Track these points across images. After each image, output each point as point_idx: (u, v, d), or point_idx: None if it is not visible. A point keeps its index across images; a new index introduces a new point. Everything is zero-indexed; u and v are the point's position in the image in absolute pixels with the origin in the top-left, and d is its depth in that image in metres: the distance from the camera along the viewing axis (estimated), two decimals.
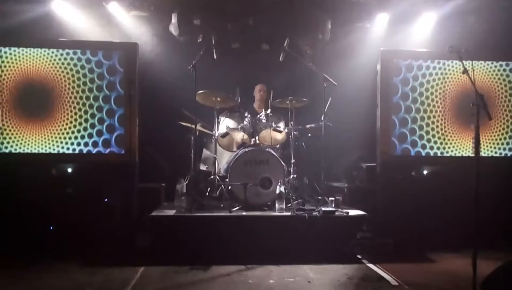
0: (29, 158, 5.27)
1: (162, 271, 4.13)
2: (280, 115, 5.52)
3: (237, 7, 5.60)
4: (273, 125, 5.40)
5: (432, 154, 5.68)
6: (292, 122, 5.40)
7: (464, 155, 5.69)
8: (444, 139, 5.69)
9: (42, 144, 5.33)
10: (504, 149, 5.80)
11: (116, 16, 5.67)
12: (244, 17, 5.71)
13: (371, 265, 4.40)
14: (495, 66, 5.76)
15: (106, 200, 5.29)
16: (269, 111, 5.53)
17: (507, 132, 5.79)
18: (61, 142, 5.37)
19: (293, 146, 5.40)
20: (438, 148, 5.69)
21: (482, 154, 5.64)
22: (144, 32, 5.82)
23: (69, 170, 5.43)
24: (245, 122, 5.45)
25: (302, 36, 5.77)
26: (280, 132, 5.42)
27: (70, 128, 5.39)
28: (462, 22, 5.80)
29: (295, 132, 5.43)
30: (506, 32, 5.72)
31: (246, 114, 5.51)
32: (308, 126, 5.59)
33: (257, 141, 5.39)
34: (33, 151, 5.30)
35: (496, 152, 5.77)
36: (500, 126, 5.78)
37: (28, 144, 5.30)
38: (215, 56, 5.56)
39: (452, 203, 5.13)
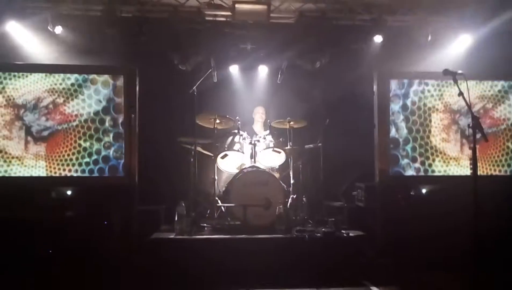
0: (29, 181, 5.28)
1: None
2: (279, 136, 5.56)
3: (235, 30, 5.69)
4: (272, 146, 5.43)
5: (430, 173, 5.71)
6: (290, 143, 5.44)
7: (463, 174, 5.71)
8: (442, 158, 5.73)
9: (43, 167, 5.34)
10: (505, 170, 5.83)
11: (115, 41, 5.72)
12: (243, 41, 5.79)
13: (371, 287, 4.37)
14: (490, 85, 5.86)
15: (105, 222, 5.27)
16: (268, 132, 5.58)
17: (507, 153, 5.84)
18: (64, 166, 5.37)
19: (292, 166, 5.42)
20: (438, 167, 5.72)
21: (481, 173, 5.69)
22: (144, 56, 5.88)
23: (69, 193, 5.41)
24: (244, 144, 5.49)
25: (299, 58, 5.85)
26: (279, 153, 5.45)
27: (74, 153, 5.40)
28: (457, 43, 5.90)
29: (294, 153, 5.45)
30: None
31: (245, 136, 5.56)
32: (306, 146, 5.63)
33: (257, 162, 5.42)
34: (34, 174, 5.31)
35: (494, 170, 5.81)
36: (500, 145, 5.84)
37: (29, 167, 5.32)
38: (214, 79, 5.63)
39: (452, 222, 5.11)
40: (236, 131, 5.52)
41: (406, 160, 5.69)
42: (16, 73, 5.34)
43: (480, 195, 3.28)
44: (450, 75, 3.28)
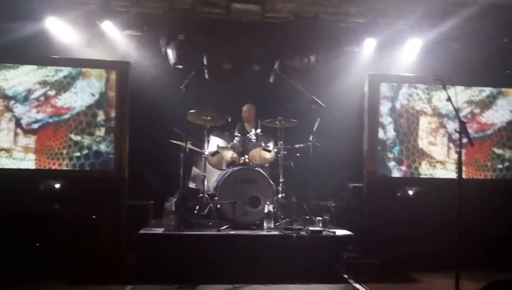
0: (18, 174, 5.23)
1: (149, 289, 4.12)
2: (269, 135, 5.60)
3: (229, 29, 5.72)
4: (263, 144, 5.48)
5: (417, 175, 5.80)
6: (281, 142, 5.48)
7: (449, 177, 5.80)
8: (429, 161, 5.81)
9: (32, 161, 5.29)
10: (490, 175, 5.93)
11: (109, 35, 5.72)
12: (236, 39, 5.82)
13: (357, 285, 4.45)
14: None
15: (94, 217, 5.26)
16: (258, 130, 5.62)
17: (493, 158, 5.94)
18: (54, 160, 5.32)
19: (282, 165, 5.46)
20: (424, 170, 5.81)
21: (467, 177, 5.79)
22: (137, 51, 5.88)
23: (57, 186, 5.37)
24: (234, 141, 5.52)
25: (292, 58, 5.89)
26: (269, 151, 5.50)
27: (64, 147, 5.35)
28: (446, 48, 6.00)
29: (284, 152, 5.50)
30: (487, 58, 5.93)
31: (236, 133, 5.60)
32: (297, 146, 5.68)
33: (247, 160, 5.46)
34: (21, 165, 5.26)
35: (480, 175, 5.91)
36: (486, 150, 5.94)
37: (18, 160, 5.28)
38: (206, 76, 5.65)
39: (437, 224, 5.20)
40: (227, 128, 5.55)
41: (393, 162, 5.77)
42: (7, 64, 5.28)
43: (465, 198, 3.37)
44: (439, 80, 3.36)
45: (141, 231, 4.73)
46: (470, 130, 5.71)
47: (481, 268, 4.59)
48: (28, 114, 5.31)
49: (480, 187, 5.75)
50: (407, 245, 5.20)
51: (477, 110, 5.97)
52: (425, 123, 5.84)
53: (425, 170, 5.81)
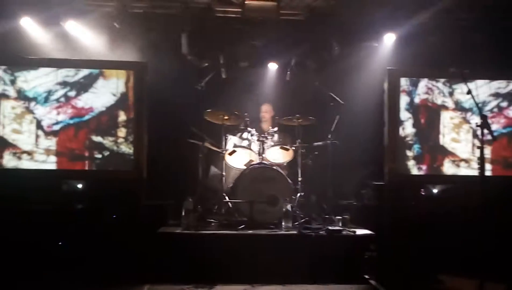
0: (39, 174, 5.33)
1: (167, 289, 4.13)
2: (287, 133, 5.55)
3: (245, 27, 5.69)
4: (281, 143, 5.42)
5: (442, 172, 5.62)
6: (299, 140, 5.42)
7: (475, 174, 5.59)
8: (452, 160, 5.63)
9: (54, 163, 5.37)
10: None
11: (127, 36, 5.76)
12: (252, 37, 5.78)
13: (378, 285, 4.34)
14: None
15: (114, 216, 5.32)
16: (276, 129, 5.57)
17: None
18: (75, 162, 5.39)
19: (300, 164, 5.40)
20: (447, 168, 5.62)
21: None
22: (154, 51, 5.92)
23: (79, 186, 5.46)
24: (252, 140, 5.49)
25: (309, 55, 5.82)
26: (287, 150, 5.44)
27: (85, 149, 5.42)
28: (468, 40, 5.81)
29: (302, 150, 5.43)
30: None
31: (253, 132, 5.56)
32: (315, 144, 5.60)
33: (264, 159, 5.42)
34: (43, 168, 5.35)
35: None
36: None
37: (40, 162, 5.37)
38: (223, 75, 5.65)
39: (462, 223, 5.03)
40: (244, 127, 5.52)
41: (412, 161, 5.61)
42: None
43: (492, 197, 3.24)
44: (457, 73, 3.24)
45: (160, 230, 4.76)
46: (497, 125, 5.64)
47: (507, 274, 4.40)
48: (49, 115, 5.39)
49: (509, 185, 5.52)
50: (430, 245, 5.05)
51: (504, 104, 5.74)
52: (446, 118, 5.65)
53: (448, 169, 5.61)
